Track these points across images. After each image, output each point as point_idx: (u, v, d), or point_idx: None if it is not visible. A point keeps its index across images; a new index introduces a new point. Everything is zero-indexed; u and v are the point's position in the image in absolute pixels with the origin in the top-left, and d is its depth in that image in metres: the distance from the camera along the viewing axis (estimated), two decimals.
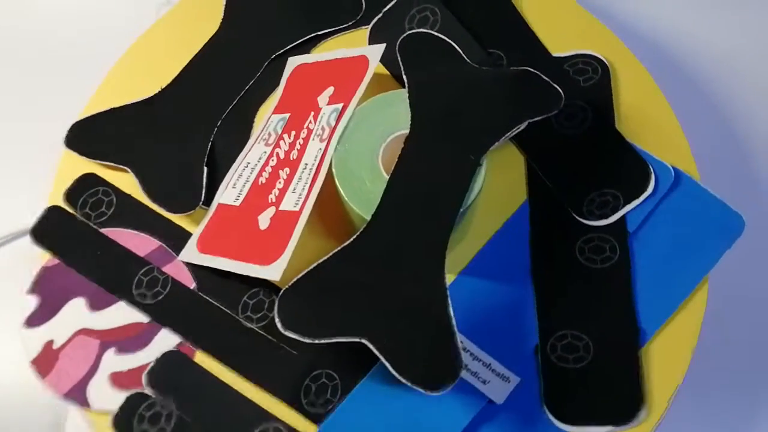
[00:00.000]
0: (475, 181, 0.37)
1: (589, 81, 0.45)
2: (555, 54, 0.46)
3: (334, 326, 0.35)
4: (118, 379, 0.39)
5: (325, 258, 0.36)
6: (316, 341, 0.35)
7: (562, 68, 0.45)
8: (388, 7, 0.46)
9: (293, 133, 0.41)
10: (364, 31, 0.47)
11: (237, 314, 0.41)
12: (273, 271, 0.37)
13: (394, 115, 0.39)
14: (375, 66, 0.40)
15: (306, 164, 0.39)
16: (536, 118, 0.40)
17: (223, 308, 0.41)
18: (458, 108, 0.38)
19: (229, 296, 0.41)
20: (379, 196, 0.37)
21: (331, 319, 0.35)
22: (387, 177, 0.37)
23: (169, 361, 0.39)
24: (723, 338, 0.45)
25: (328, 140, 0.39)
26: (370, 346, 0.34)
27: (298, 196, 0.38)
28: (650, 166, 0.42)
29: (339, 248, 0.36)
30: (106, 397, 0.39)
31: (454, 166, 0.37)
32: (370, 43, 0.46)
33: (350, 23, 0.47)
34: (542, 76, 0.41)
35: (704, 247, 0.41)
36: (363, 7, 0.48)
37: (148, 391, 0.39)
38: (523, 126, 0.43)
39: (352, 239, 0.36)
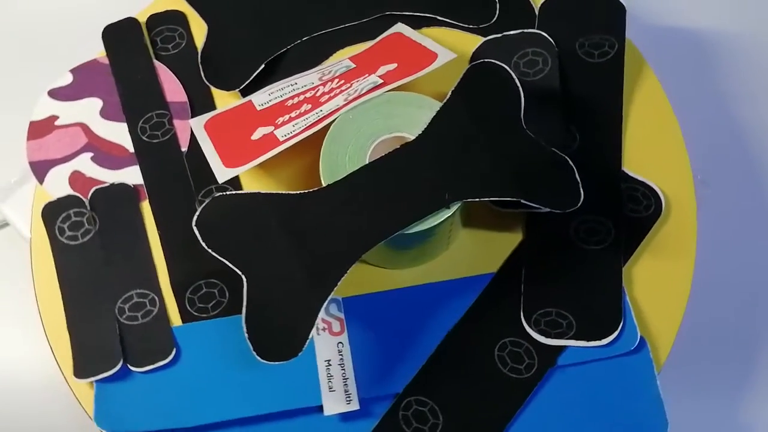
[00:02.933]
0: (433, 216, 0.36)
1: (635, 213, 0.41)
2: (625, 168, 0.43)
3: (229, 250, 0.36)
4: (75, 178, 0.43)
5: (262, 192, 0.37)
6: (209, 250, 0.36)
7: (619, 185, 0.42)
8: (509, 33, 0.45)
9: (342, 81, 0.42)
10: (477, 39, 0.46)
11: (198, 195, 0.43)
12: (222, 174, 0.38)
13: (415, 117, 0.38)
14: (436, 67, 0.40)
15: (321, 110, 0.40)
16: (535, 206, 0.38)
17: (191, 182, 0.43)
18: (468, 150, 0.37)
19: (202, 177, 0.43)
20: (345, 173, 0.37)
21: (231, 242, 0.36)
22: (364, 163, 0.37)
23: (119, 191, 0.42)
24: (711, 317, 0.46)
25: (348, 102, 0.39)
26: (244, 286, 0.35)
27: (291, 131, 0.39)
28: (621, 322, 0.39)
29: (279, 192, 0.37)
30: (57, 185, 0.43)
31: (422, 192, 0.36)
32: (473, 55, 0.45)
33: (471, 26, 0.47)
34: (576, 174, 0.38)
35: (612, 428, 0.37)
36: (494, 18, 0.47)
37: (86, 202, 0.42)
38: (544, 209, 0.41)
39: (293, 193, 0.37)
